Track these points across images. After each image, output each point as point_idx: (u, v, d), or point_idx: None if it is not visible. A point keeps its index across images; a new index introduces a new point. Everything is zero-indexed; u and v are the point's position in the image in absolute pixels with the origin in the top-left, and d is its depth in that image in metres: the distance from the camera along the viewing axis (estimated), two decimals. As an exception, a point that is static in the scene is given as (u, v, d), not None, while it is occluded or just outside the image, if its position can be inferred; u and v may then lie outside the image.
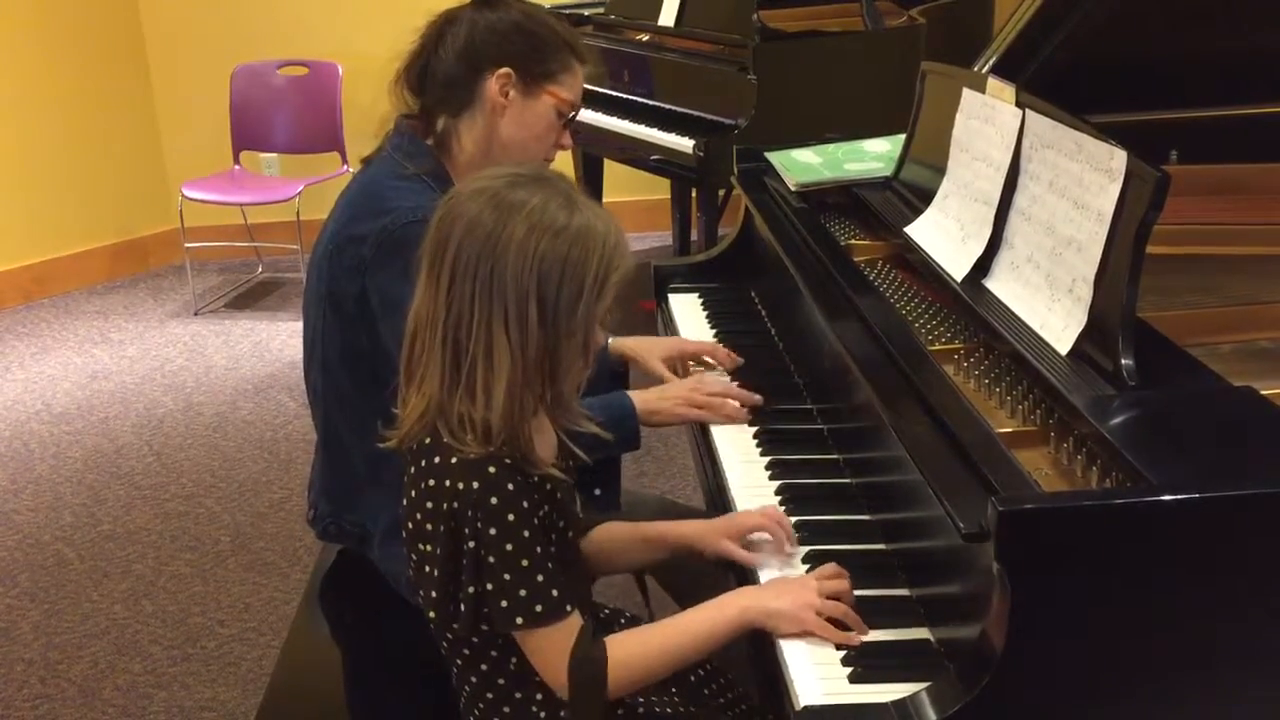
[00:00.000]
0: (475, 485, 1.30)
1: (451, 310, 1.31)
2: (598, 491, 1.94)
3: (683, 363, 2.05)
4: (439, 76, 1.81)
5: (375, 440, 1.64)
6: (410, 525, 1.37)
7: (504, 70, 1.79)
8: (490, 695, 1.42)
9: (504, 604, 1.31)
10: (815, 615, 1.33)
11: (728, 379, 1.98)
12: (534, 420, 1.38)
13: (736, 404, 1.86)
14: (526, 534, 1.31)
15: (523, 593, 1.31)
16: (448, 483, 1.32)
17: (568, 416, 1.45)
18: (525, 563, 1.31)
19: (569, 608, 1.33)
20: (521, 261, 1.30)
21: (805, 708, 1.24)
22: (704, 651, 1.40)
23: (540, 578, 1.31)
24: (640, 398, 1.88)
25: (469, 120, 1.81)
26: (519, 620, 1.32)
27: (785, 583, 1.41)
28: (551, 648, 1.35)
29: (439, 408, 1.34)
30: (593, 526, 1.59)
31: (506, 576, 1.31)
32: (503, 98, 1.80)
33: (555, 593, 1.32)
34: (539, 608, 1.31)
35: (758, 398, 1.87)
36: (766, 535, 1.51)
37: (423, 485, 1.34)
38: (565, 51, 1.83)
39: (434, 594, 1.36)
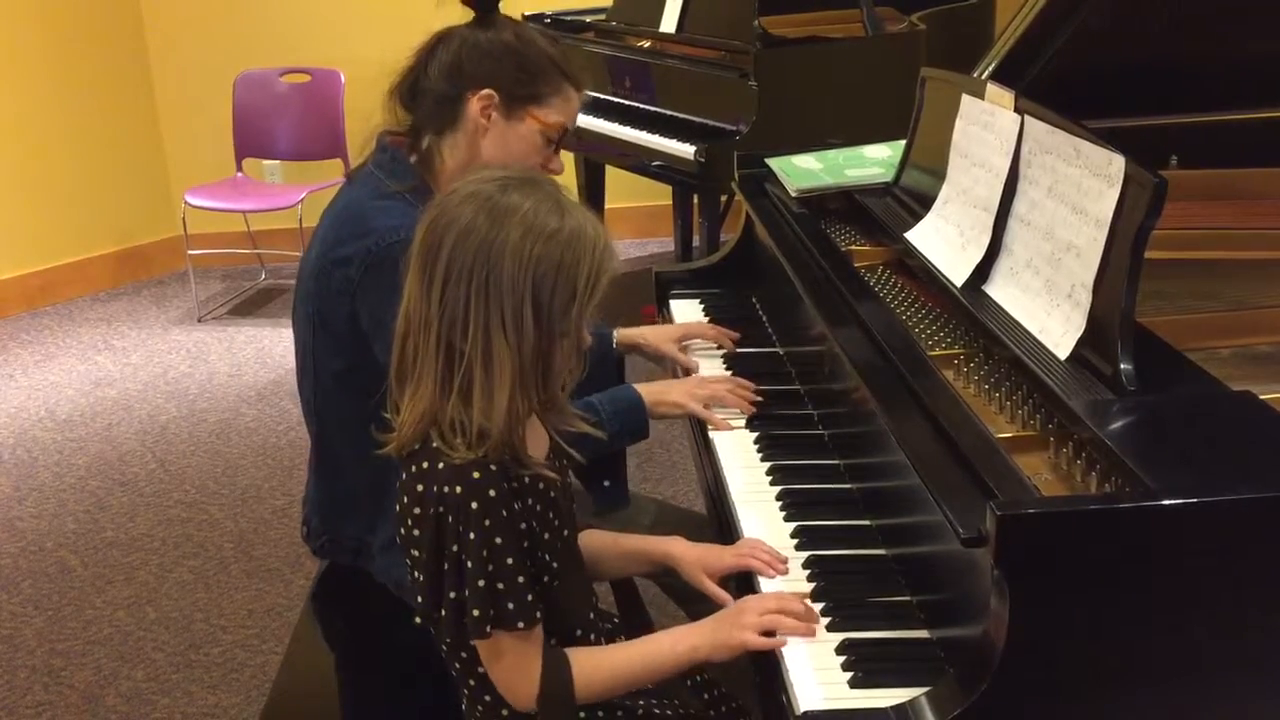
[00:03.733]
0: (459, 490, 1.31)
1: (445, 314, 1.32)
2: (606, 484, 1.95)
3: (686, 343, 2.12)
4: (427, 94, 1.80)
5: (371, 452, 1.65)
6: (402, 531, 1.38)
7: (486, 91, 1.77)
8: (489, 698, 1.42)
9: (476, 612, 1.32)
10: (754, 635, 1.35)
11: (728, 374, 2.02)
12: (526, 421, 1.39)
13: (742, 399, 1.89)
14: (499, 541, 1.31)
15: (486, 599, 1.32)
16: (435, 487, 1.33)
17: (560, 417, 1.47)
18: (491, 568, 1.31)
19: (522, 624, 1.33)
20: (517, 266, 1.31)
21: (805, 713, 1.24)
22: (654, 682, 1.45)
23: (500, 585, 1.32)
24: (644, 391, 1.91)
25: (451, 139, 1.80)
26: (488, 629, 1.32)
27: (730, 616, 1.42)
28: (502, 656, 1.36)
29: (433, 412, 1.34)
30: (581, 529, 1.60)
31: (480, 583, 1.31)
32: (484, 119, 1.78)
33: (511, 605, 1.32)
34: (491, 612, 1.32)
35: (756, 397, 1.90)
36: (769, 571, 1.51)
37: (413, 491, 1.35)
38: (555, 76, 1.81)
39: (419, 599, 1.37)
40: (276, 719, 1.74)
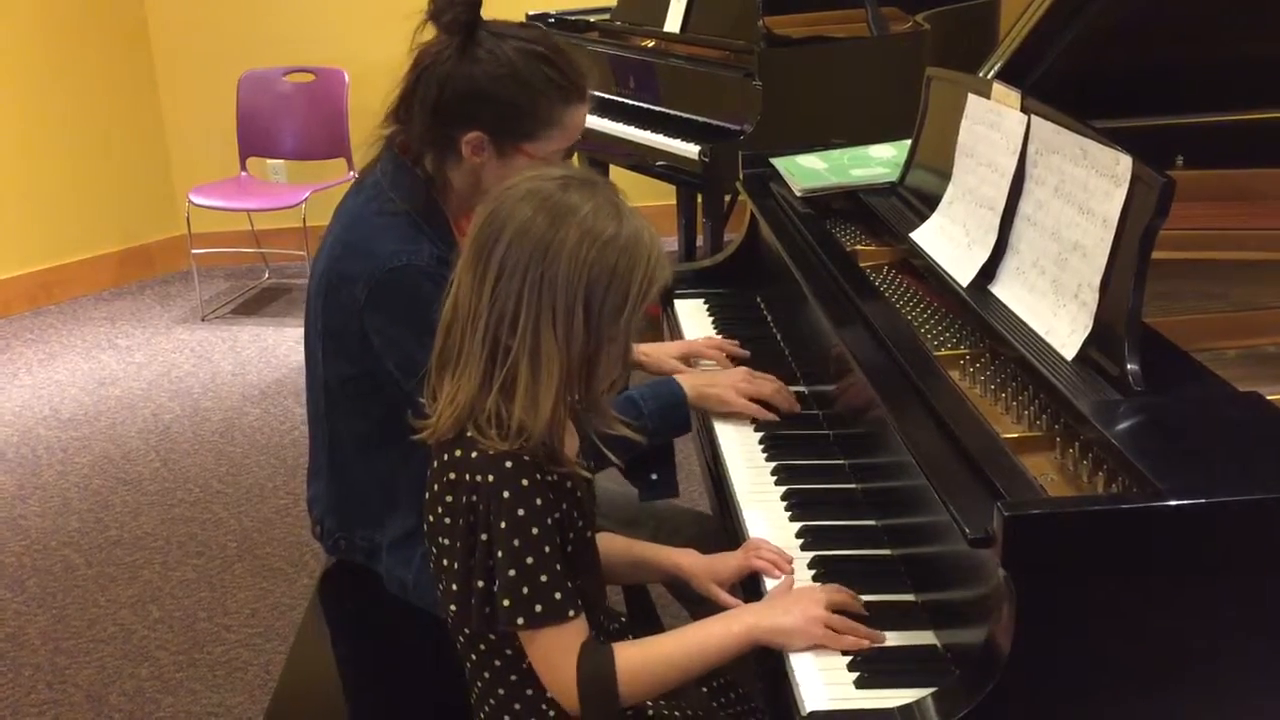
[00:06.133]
0: (491, 479, 1.32)
1: (495, 308, 1.33)
2: (654, 476, 1.93)
3: (692, 361, 2.09)
4: (417, 126, 1.74)
5: (379, 456, 1.64)
6: (431, 519, 1.39)
7: (474, 134, 1.70)
8: (501, 691, 1.43)
9: (506, 602, 1.32)
10: (822, 628, 1.34)
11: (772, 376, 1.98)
12: (566, 421, 1.39)
13: (785, 403, 1.88)
14: (535, 531, 1.32)
15: (525, 590, 1.32)
16: (467, 476, 1.33)
17: (601, 419, 1.47)
18: (530, 560, 1.31)
19: (571, 612, 1.34)
20: (572, 268, 1.31)
21: (811, 713, 1.24)
22: (711, 665, 1.41)
23: (544, 577, 1.32)
24: (690, 382, 1.89)
25: (454, 168, 1.75)
26: (520, 620, 1.32)
27: (791, 597, 1.41)
28: (551, 652, 1.35)
29: (472, 402, 1.35)
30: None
31: (511, 573, 1.31)
32: (477, 159, 1.72)
33: (558, 595, 1.33)
34: (538, 607, 1.32)
35: (797, 406, 1.89)
36: (775, 571, 1.51)
37: (444, 479, 1.36)
38: (548, 105, 1.71)
39: (453, 587, 1.36)
40: (281, 718, 1.74)
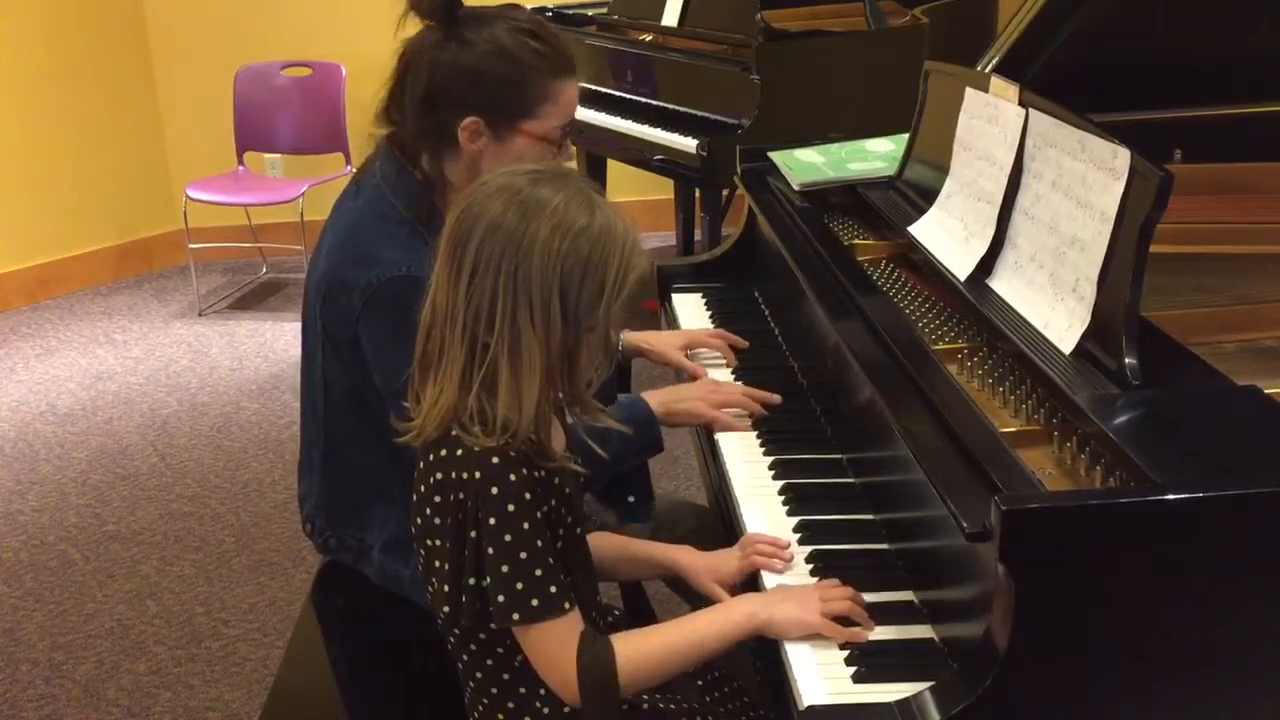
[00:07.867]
0: (478, 475, 1.31)
1: (471, 305, 1.32)
2: (631, 499, 1.91)
3: (692, 352, 2.09)
4: (410, 122, 1.71)
5: (376, 460, 1.62)
6: (419, 520, 1.38)
7: (469, 120, 1.67)
8: (495, 690, 1.42)
9: (501, 598, 1.32)
10: (820, 617, 1.34)
11: (737, 382, 1.99)
12: (551, 416, 1.39)
13: (754, 405, 1.87)
14: (526, 526, 1.31)
15: (519, 586, 1.31)
16: (454, 474, 1.33)
17: (586, 412, 1.47)
18: (523, 555, 1.31)
19: (567, 605, 1.34)
20: (545, 261, 1.31)
21: (809, 707, 1.24)
22: (710, 654, 1.42)
23: (538, 572, 1.32)
24: (657, 399, 1.88)
25: (451, 164, 1.73)
26: (515, 616, 1.32)
27: (790, 589, 1.41)
28: (548, 645, 1.35)
29: (455, 402, 1.34)
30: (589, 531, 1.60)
31: (504, 569, 1.31)
32: (475, 146, 1.70)
33: (553, 589, 1.32)
34: (534, 602, 1.32)
35: (776, 397, 1.88)
36: (773, 564, 1.51)
37: (431, 479, 1.35)
38: (540, 79, 1.68)
39: (444, 588, 1.36)
40: (278, 713, 1.74)
